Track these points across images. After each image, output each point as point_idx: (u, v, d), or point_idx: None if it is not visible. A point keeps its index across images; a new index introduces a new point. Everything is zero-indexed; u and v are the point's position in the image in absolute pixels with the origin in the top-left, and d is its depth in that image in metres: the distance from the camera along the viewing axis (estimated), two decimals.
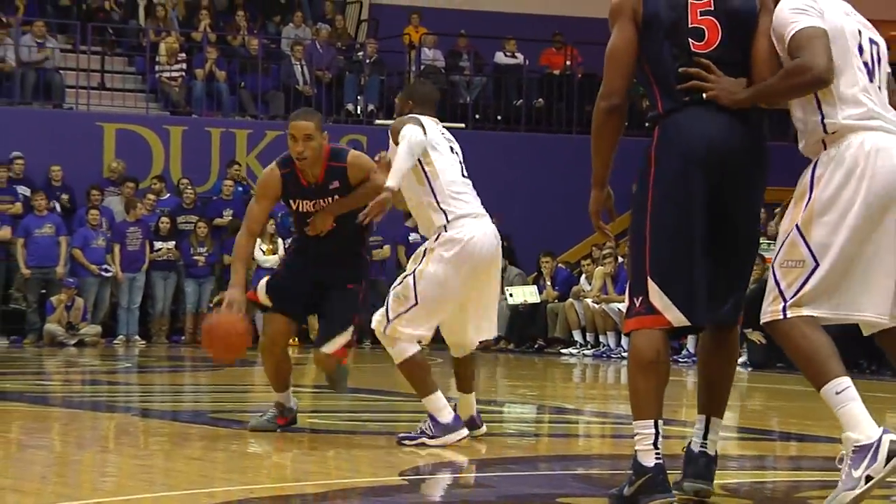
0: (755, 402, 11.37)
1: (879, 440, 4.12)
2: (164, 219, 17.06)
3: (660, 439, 4.39)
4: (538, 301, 17.30)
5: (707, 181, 4.42)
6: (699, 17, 4.48)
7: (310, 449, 6.36)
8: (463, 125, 19.64)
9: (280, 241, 16.58)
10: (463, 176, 6.38)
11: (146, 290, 16.99)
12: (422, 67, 20.39)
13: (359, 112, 19.92)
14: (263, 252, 16.52)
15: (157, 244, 17.00)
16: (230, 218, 17.35)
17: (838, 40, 4.35)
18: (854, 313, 4.35)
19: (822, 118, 4.34)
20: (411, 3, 21.54)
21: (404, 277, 6.29)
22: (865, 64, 4.38)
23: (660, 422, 4.41)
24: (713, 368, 4.71)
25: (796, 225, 4.35)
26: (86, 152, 17.77)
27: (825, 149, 4.33)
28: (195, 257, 17.12)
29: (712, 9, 4.47)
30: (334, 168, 6.57)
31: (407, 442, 6.19)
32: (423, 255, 6.29)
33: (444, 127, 6.55)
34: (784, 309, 4.34)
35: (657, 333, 4.43)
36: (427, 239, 6.40)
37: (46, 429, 7.51)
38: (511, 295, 17.45)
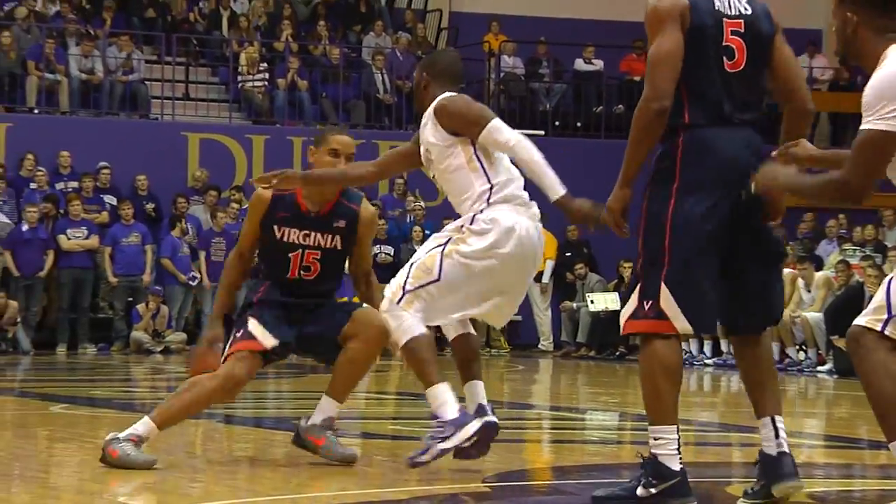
0: (842, 409, 11.21)
1: None
2: None
3: (680, 444, 4.49)
4: (619, 308, 17.17)
5: (734, 196, 4.55)
6: (730, 36, 4.62)
7: (392, 456, 6.37)
8: (543, 132, 19.62)
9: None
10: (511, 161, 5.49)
11: None
12: (501, 75, 20.39)
13: None
14: None
15: None
16: None
17: None
18: None
19: None
20: (491, 10, 21.56)
21: (429, 250, 5.39)
22: None
23: (678, 427, 4.51)
24: (753, 372, 4.76)
25: None
26: (171, 162, 18.01)
27: None
28: None
29: (742, 30, 4.61)
30: (345, 207, 5.81)
31: (420, 459, 5.34)
32: (452, 237, 5.39)
33: None
34: (886, 322, 4.08)
35: (675, 341, 4.54)
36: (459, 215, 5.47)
37: None
38: (592, 302, 17.37)
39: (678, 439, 4.51)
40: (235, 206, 17.73)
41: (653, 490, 4.49)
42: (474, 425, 5.28)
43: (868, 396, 4.06)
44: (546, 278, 18.03)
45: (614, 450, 7.45)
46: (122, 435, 5.60)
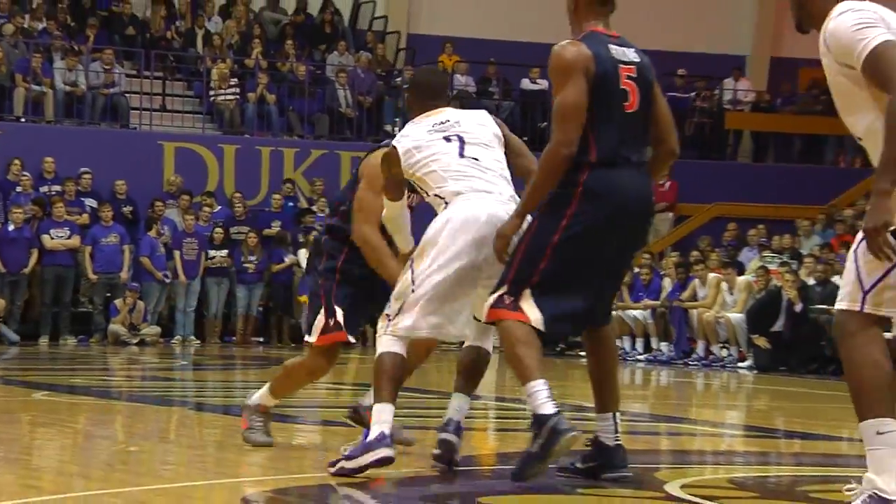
0: (760, 402, 11.32)
1: None
2: (218, 229, 17.18)
3: (551, 393, 4.64)
4: None
5: (627, 230, 4.78)
6: (625, 80, 4.78)
7: (351, 441, 6.35)
8: None
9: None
10: (461, 156, 5.05)
11: (201, 294, 17.08)
12: (454, 92, 20.43)
13: (396, 133, 19.97)
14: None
15: (212, 252, 17.10)
16: (278, 229, 17.52)
17: None
18: None
19: None
20: (445, 33, 21.59)
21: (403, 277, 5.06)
22: None
23: (546, 381, 4.66)
24: (601, 365, 5.00)
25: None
26: (147, 168, 17.90)
27: None
28: (246, 265, 17.20)
29: (635, 75, 4.78)
30: None
31: (330, 470, 4.95)
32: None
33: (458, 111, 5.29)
34: (863, 299, 3.83)
35: (526, 324, 4.71)
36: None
37: (111, 421, 7.55)
38: None
39: (548, 389, 4.61)
40: (207, 209, 17.65)
41: (540, 440, 4.59)
42: (377, 454, 4.82)
43: (847, 380, 3.87)
44: None
45: None
46: (252, 400, 5.68)
